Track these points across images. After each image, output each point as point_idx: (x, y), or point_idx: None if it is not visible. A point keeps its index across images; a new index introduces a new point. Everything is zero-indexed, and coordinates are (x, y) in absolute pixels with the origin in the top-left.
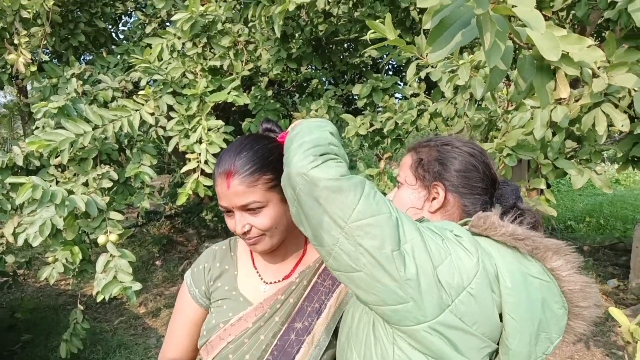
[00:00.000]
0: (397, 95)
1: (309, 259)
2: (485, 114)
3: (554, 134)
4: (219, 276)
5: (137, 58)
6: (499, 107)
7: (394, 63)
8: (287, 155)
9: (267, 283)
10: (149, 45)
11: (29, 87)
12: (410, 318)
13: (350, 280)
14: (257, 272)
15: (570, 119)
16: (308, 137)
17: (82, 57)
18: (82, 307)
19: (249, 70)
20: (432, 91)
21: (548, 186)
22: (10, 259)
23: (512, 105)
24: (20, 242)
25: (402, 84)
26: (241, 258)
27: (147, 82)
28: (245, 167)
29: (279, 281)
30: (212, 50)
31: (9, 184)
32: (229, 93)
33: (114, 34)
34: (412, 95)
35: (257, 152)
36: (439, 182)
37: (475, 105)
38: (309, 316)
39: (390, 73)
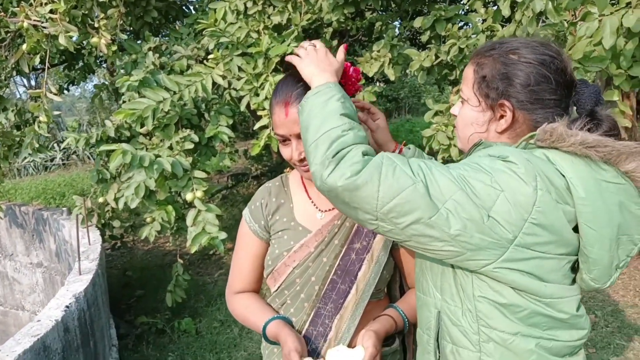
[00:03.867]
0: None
1: None
2: (552, 30)
3: (627, 42)
4: (276, 210)
5: (203, 22)
6: (565, 20)
7: None
8: (306, 154)
9: (322, 211)
10: (214, 10)
11: None
12: (473, 264)
13: (407, 246)
14: (312, 202)
15: None
16: (320, 133)
17: (160, 34)
18: (181, 261)
19: (308, 21)
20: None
21: None
22: (116, 223)
23: (577, 16)
24: (120, 205)
25: (470, 10)
26: (294, 191)
27: (215, 46)
28: (303, 94)
29: (334, 208)
30: (274, 8)
31: (105, 154)
32: (288, 45)
33: (184, 7)
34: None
35: None
36: (505, 99)
37: (538, 22)
38: (366, 236)
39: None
